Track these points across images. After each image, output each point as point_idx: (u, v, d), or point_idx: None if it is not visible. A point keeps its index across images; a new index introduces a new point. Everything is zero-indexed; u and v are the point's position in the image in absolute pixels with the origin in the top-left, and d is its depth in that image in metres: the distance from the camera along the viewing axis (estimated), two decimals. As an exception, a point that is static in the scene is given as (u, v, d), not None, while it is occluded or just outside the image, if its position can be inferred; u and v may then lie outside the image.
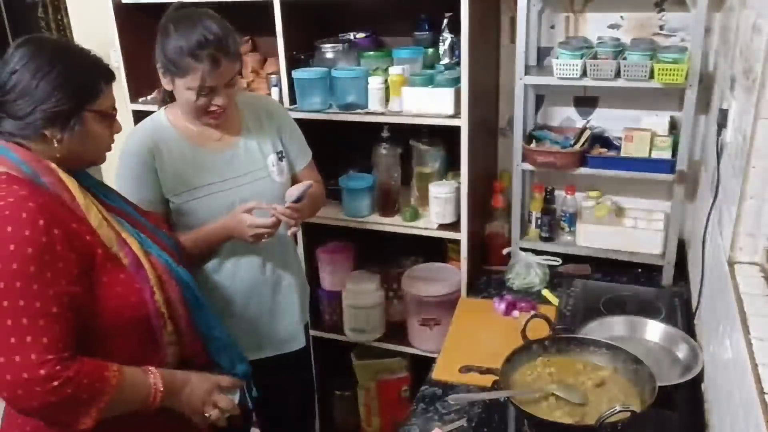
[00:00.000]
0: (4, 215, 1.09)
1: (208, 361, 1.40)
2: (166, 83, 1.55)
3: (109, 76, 1.26)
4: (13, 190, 1.13)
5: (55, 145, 1.20)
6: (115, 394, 1.14)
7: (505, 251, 2.17)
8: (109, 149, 1.32)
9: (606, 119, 2.17)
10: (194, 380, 1.31)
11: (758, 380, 0.96)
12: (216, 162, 1.63)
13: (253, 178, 1.66)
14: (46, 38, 1.24)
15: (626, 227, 2.07)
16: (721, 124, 1.53)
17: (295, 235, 2.23)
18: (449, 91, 1.93)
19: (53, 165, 1.20)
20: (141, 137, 1.59)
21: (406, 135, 2.15)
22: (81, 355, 1.13)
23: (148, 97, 2.39)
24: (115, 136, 1.31)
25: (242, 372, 1.45)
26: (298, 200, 1.59)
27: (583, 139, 2.05)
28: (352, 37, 2.26)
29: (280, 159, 1.72)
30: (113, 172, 1.59)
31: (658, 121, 1.99)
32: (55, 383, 1.07)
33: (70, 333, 1.12)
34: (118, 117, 1.31)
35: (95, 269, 1.19)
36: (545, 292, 2.05)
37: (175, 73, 1.50)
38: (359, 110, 2.07)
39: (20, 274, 1.07)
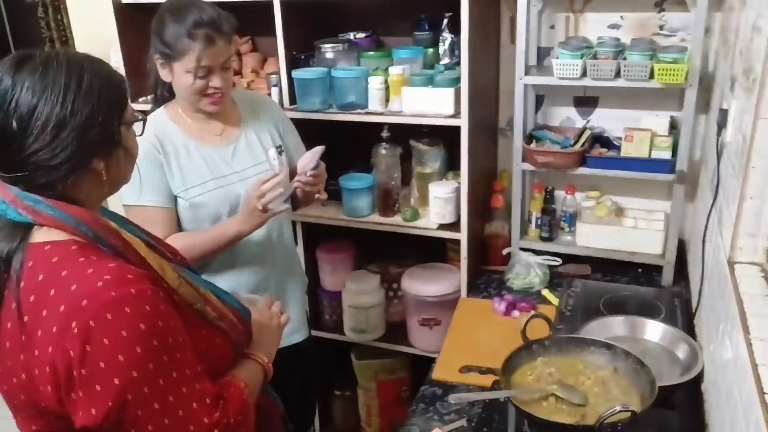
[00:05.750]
0: (128, 294, 0.92)
1: None
2: (165, 74, 1.59)
3: (123, 78, 1.07)
4: (104, 263, 0.94)
5: (104, 177, 1.00)
6: (253, 406, 1.11)
7: (505, 251, 2.17)
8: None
9: (606, 119, 2.17)
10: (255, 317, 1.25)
11: (758, 380, 0.96)
12: (219, 156, 1.66)
13: (257, 171, 1.69)
14: (41, 52, 0.97)
15: (626, 227, 2.07)
16: (721, 124, 1.53)
17: (295, 236, 2.25)
18: (449, 91, 1.93)
19: (112, 224, 1.02)
20: (144, 135, 1.57)
21: (406, 135, 2.14)
22: None
23: (149, 97, 2.38)
24: None
25: None
26: (315, 167, 1.63)
27: (583, 139, 2.05)
28: (352, 37, 2.26)
29: (280, 153, 1.75)
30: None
31: (658, 121, 1.99)
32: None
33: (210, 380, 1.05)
34: None
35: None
36: (545, 292, 2.05)
37: (172, 57, 1.54)
38: (359, 110, 2.07)
39: (161, 348, 0.95)
